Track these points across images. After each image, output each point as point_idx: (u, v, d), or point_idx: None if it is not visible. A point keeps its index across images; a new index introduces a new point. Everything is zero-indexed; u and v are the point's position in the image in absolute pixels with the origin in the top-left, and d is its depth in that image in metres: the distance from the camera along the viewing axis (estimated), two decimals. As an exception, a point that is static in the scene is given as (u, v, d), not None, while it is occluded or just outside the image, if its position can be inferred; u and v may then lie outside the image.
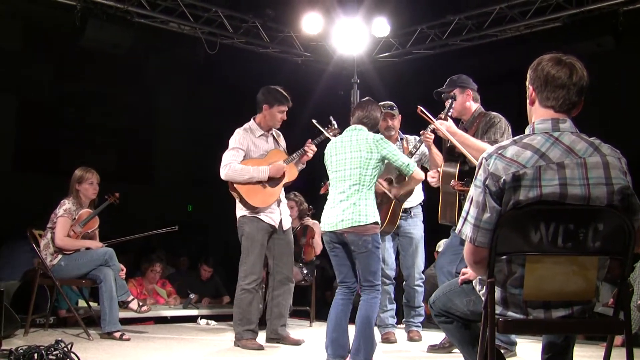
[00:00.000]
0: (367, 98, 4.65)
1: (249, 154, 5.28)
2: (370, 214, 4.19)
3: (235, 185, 5.20)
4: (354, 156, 4.27)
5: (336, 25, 8.50)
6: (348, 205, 4.21)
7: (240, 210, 5.29)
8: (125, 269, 5.75)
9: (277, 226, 5.32)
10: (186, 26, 8.13)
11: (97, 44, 7.50)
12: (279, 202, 5.36)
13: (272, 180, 5.28)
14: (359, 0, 8.44)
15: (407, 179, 4.64)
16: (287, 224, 5.44)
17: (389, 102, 5.66)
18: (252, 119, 5.43)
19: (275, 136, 5.50)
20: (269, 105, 5.33)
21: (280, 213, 5.36)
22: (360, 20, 8.39)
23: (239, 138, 5.30)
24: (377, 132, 4.50)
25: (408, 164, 4.32)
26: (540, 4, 7.53)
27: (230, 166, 5.16)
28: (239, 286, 5.26)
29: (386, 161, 4.36)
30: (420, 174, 4.45)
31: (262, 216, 5.25)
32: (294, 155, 5.38)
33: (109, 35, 7.46)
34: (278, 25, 8.81)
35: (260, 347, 5.11)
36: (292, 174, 5.37)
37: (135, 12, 7.57)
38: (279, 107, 5.33)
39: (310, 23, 8.30)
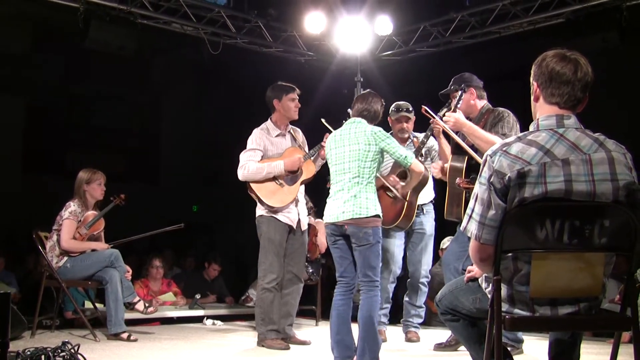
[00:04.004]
0: (367, 90, 4.61)
1: (267, 154, 5.27)
2: (371, 206, 4.17)
3: (252, 186, 5.20)
4: (352, 149, 4.25)
5: (339, 24, 8.49)
6: (348, 198, 4.19)
7: (259, 210, 5.29)
8: (131, 270, 5.75)
9: (294, 226, 5.30)
10: (189, 27, 8.13)
11: (101, 45, 7.51)
12: (296, 202, 5.33)
13: (290, 179, 5.25)
14: (362, -2, 8.44)
15: (407, 174, 4.65)
16: (304, 225, 5.41)
17: (407, 104, 5.59)
18: (268, 119, 5.42)
19: (293, 133, 5.46)
20: (278, 99, 5.33)
21: (298, 213, 5.34)
22: (363, 18, 8.38)
23: (255, 138, 5.30)
24: (377, 124, 4.45)
25: (406, 156, 4.29)
26: (543, 0, 7.50)
27: (246, 167, 5.17)
28: (259, 286, 5.26)
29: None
30: (419, 166, 4.41)
31: (279, 216, 5.23)
32: (310, 152, 5.33)
33: (112, 37, 7.48)
34: (281, 25, 8.81)
35: (287, 347, 5.11)
36: (309, 171, 5.33)
37: (138, 13, 7.57)
38: (289, 96, 5.31)
39: (313, 22, 8.30)
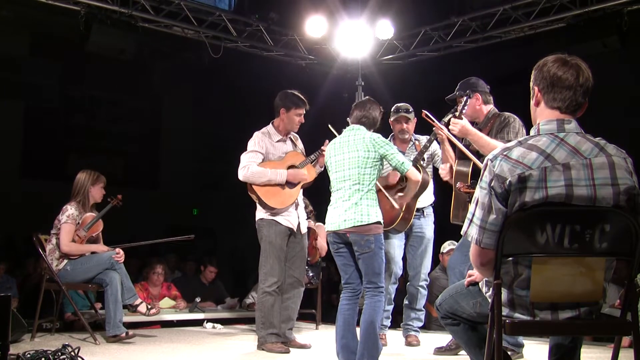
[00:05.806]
0: (366, 97, 4.63)
1: (268, 157, 5.28)
2: (372, 213, 4.17)
3: (253, 187, 5.21)
4: (352, 156, 4.26)
5: (340, 27, 8.50)
6: (350, 206, 4.20)
7: (259, 213, 5.29)
8: (121, 252, 5.60)
9: (295, 229, 5.31)
10: (190, 30, 8.15)
11: (102, 49, 7.53)
12: (296, 205, 5.34)
13: (290, 182, 5.26)
14: (363, 2, 8.45)
15: (405, 185, 4.65)
16: (304, 228, 5.42)
17: (406, 105, 5.60)
18: (270, 123, 5.44)
19: (293, 139, 5.50)
20: (286, 109, 5.34)
21: (298, 216, 5.35)
22: (364, 22, 8.40)
23: (257, 141, 5.30)
24: (376, 131, 4.45)
25: (403, 162, 4.30)
26: (544, 5, 7.52)
27: (249, 168, 5.17)
28: (260, 289, 5.25)
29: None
30: (416, 174, 4.39)
31: (279, 219, 5.23)
32: (311, 156, 5.37)
33: (113, 41, 7.49)
34: (282, 29, 8.83)
35: (287, 351, 5.09)
36: (309, 175, 5.35)
37: (140, 17, 7.59)
38: (296, 111, 5.34)
39: (314, 26, 8.31)
